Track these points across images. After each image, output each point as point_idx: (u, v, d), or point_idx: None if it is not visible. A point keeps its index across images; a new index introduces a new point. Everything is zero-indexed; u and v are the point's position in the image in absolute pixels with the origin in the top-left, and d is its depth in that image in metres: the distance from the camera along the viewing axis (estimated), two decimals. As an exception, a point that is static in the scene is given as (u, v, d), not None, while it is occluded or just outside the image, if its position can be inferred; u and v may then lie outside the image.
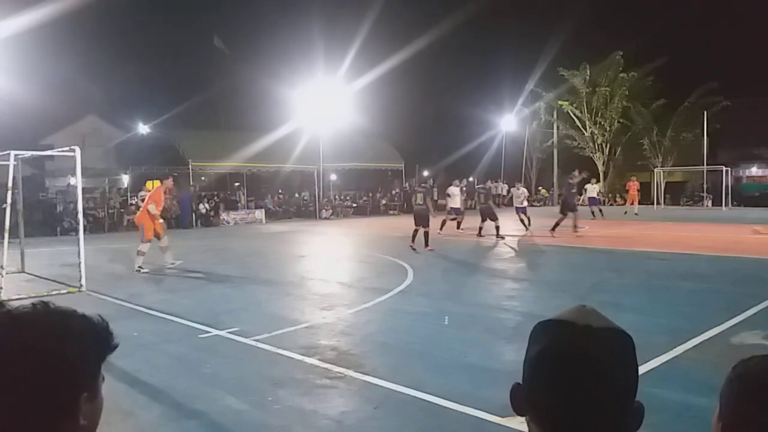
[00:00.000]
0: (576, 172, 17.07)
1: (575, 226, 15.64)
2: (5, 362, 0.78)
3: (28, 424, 0.77)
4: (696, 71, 34.18)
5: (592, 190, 23.35)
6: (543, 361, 0.81)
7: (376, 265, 11.28)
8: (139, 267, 10.57)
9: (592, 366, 0.78)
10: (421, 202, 12.73)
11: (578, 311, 0.84)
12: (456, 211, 16.93)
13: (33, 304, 0.84)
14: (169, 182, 11.64)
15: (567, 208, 15.62)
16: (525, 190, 18.06)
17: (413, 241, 12.81)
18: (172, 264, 10.96)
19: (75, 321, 0.84)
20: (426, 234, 12.63)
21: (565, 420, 0.78)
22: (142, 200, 23.64)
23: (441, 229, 15.90)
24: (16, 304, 0.85)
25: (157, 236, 10.85)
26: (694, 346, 5.21)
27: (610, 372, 0.78)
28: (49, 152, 12.07)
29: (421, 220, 12.60)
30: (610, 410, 0.78)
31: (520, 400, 0.84)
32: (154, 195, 10.92)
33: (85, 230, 9.94)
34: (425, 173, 42.58)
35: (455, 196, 16.87)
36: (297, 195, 31.51)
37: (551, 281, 9.24)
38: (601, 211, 22.56)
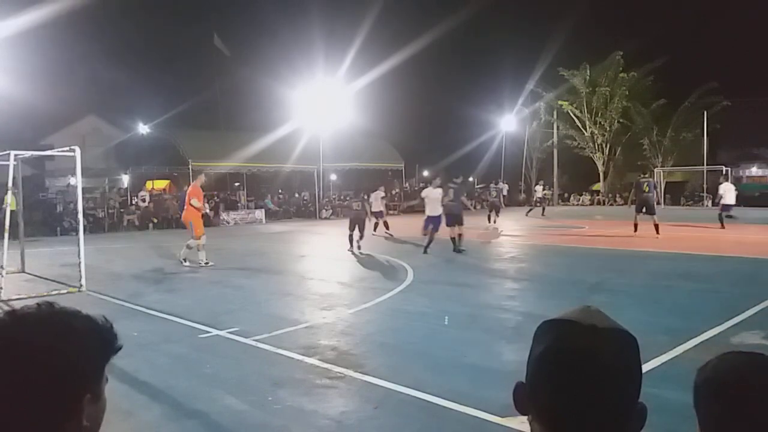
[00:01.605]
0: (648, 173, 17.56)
1: (656, 228, 14.64)
2: (9, 362, 0.78)
3: (30, 424, 0.77)
4: (696, 71, 34.22)
5: (539, 190, 26.50)
6: (547, 360, 0.81)
7: (376, 265, 11.29)
8: (206, 261, 11.02)
9: (596, 366, 0.78)
10: (359, 208, 13.93)
11: (583, 311, 0.84)
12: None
13: (38, 304, 0.84)
14: (202, 177, 12.29)
15: (654, 209, 14.95)
16: (381, 192, 17.45)
17: (360, 242, 13.33)
18: (207, 263, 11.12)
19: (79, 322, 0.84)
20: (361, 236, 13.41)
21: (567, 419, 0.79)
22: (142, 200, 23.86)
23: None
24: (19, 304, 0.86)
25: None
26: (694, 346, 5.21)
27: (614, 372, 0.78)
28: (49, 152, 12.08)
29: (359, 223, 13.45)
30: (613, 410, 0.78)
31: (523, 399, 0.84)
32: (194, 191, 11.34)
33: (85, 230, 9.95)
34: (425, 173, 42.66)
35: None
36: (297, 195, 31.51)
37: (551, 281, 9.24)
38: (531, 210, 25.59)
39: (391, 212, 30.77)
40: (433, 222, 12.57)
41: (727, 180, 19.42)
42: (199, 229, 11.18)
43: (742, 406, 0.88)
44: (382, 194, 17.80)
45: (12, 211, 18.93)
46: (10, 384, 0.77)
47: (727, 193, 18.06)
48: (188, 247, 11.23)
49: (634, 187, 16.39)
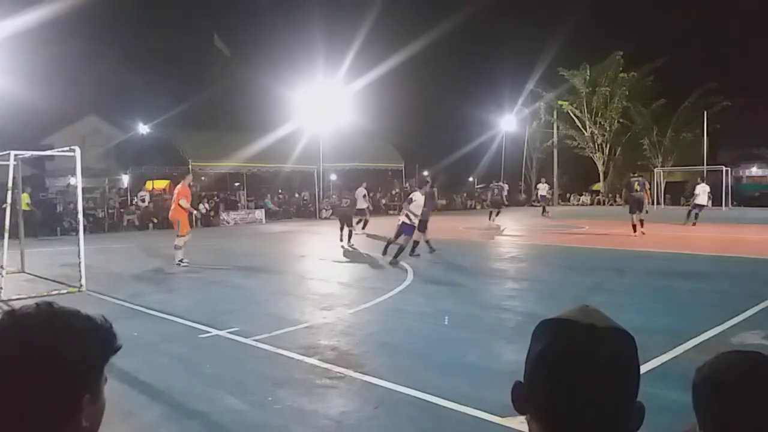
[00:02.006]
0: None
1: (641, 223, 15.32)
2: (8, 363, 0.78)
3: (29, 424, 0.77)
4: (696, 71, 34.21)
5: (543, 189, 26.21)
6: (545, 359, 0.81)
7: (376, 265, 11.28)
8: (180, 260, 11.25)
9: (594, 365, 0.78)
10: (345, 205, 15.42)
11: (581, 310, 0.84)
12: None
13: (37, 304, 0.84)
14: (190, 177, 12.68)
15: (642, 207, 15.39)
16: (363, 190, 17.27)
17: (350, 239, 14.53)
18: (181, 261, 11.45)
19: (78, 322, 0.84)
20: (350, 232, 14.65)
21: (565, 418, 0.78)
22: (142, 200, 23.85)
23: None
24: (18, 304, 0.86)
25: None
26: (694, 346, 5.20)
27: (612, 371, 0.78)
28: (49, 152, 12.11)
29: (346, 219, 14.78)
30: (611, 409, 0.78)
31: (522, 399, 0.84)
32: (183, 191, 11.63)
33: (85, 230, 9.94)
34: (425, 173, 42.63)
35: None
36: (297, 195, 31.49)
37: (551, 281, 9.24)
38: (545, 209, 25.39)
39: (391, 212, 30.87)
40: (406, 231, 11.30)
41: (704, 182, 20.17)
42: (185, 228, 11.51)
43: (742, 405, 0.89)
44: (364, 192, 17.78)
45: (25, 211, 19.74)
46: (9, 384, 0.77)
47: (702, 194, 18.83)
48: (177, 247, 11.44)
49: (625, 186, 16.75)
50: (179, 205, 11.51)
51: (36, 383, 0.77)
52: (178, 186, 11.98)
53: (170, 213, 11.92)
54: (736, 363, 0.94)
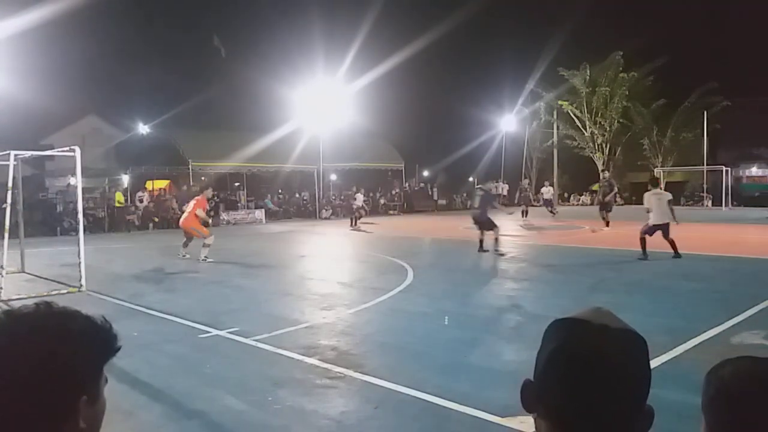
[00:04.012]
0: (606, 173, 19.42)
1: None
2: (3, 364, 0.77)
3: (25, 425, 0.77)
4: (696, 71, 34.18)
5: (546, 192, 26.84)
6: (557, 358, 0.81)
7: (376, 265, 11.28)
8: (205, 257, 11.81)
9: (607, 365, 0.78)
10: (354, 200, 19.07)
11: (594, 312, 0.84)
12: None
13: (36, 304, 0.84)
14: (210, 191, 13.75)
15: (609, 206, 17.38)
16: (360, 194, 22.11)
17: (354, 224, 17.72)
18: (185, 256, 12.17)
19: (77, 322, 0.83)
20: (355, 219, 18.52)
21: (576, 418, 0.79)
22: (140, 201, 23.85)
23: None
24: (18, 304, 0.85)
25: (189, 236, 12.32)
26: (694, 346, 5.21)
27: (624, 373, 0.79)
28: (49, 152, 12.12)
29: (354, 212, 18.64)
30: (622, 411, 0.78)
31: (531, 397, 0.84)
32: (201, 202, 12.36)
33: (85, 230, 9.95)
34: (425, 173, 42.60)
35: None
36: (297, 195, 31.50)
37: (551, 281, 9.24)
38: (552, 210, 25.99)
39: (391, 212, 30.89)
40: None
41: None
42: (206, 229, 12.17)
43: (759, 419, 0.86)
44: (362, 196, 21.85)
45: (119, 208, 20.89)
46: (4, 385, 0.76)
47: None
48: (205, 245, 11.91)
49: (606, 186, 18.17)
50: (195, 214, 12.05)
51: (30, 384, 0.77)
52: (198, 197, 12.54)
53: (183, 221, 12.37)
54: (760, 373, 0.89)
